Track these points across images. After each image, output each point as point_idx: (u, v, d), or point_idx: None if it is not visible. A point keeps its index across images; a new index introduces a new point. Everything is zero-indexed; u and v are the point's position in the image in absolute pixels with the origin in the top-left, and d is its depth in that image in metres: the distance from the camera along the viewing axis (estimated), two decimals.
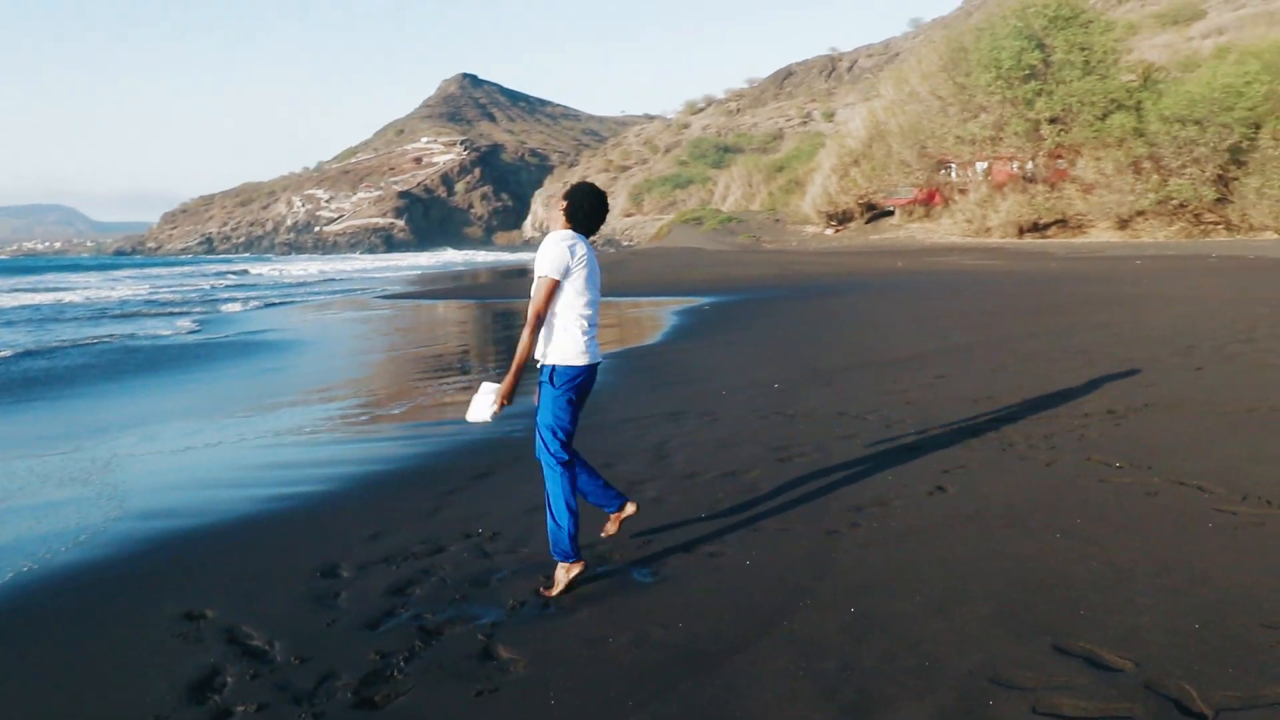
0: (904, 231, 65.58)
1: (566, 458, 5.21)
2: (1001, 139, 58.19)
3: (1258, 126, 47.78)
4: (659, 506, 6.57)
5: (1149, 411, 8.75)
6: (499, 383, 5.16)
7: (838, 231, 71.02)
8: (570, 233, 5.19)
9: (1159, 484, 6.35)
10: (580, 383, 5.19)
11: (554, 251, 5.05)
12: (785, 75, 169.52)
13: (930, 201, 66.20)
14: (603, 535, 5.76)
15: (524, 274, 55.52)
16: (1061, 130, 55.30)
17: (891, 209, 69.70)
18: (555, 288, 5.05)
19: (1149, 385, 10.04)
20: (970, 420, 8.83)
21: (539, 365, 5.21)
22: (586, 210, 5.23)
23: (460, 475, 7.87)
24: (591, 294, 5.19)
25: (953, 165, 64.45)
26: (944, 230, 62.78)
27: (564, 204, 5.23)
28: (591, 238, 5.39)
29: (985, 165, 61.38)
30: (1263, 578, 4.70)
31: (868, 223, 70.58)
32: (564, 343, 5.12)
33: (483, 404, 5.17)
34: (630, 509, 5.59)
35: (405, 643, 4.51)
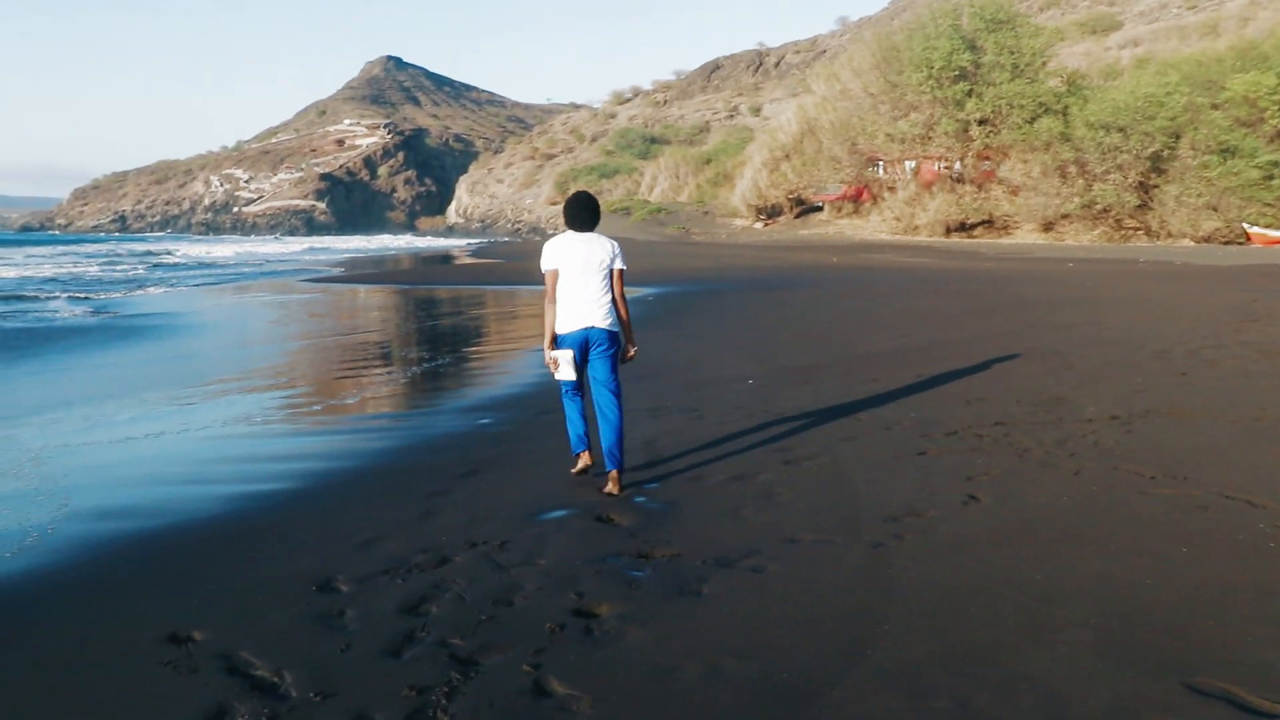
0: (833, 227, 65.83)
1: (566, 390, 6.92)
2: (931, 138, 58.59)
3: (1177, 136, 48.71)
4: (676, 513, 6.06)
5: (1154, 418, 8.47)
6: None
7: (767, 225, 71.04)
8: (560, 235, 6.77)
9: (1204, 497, 6.01)
10: (570, 344, 6.59)
11: (543, 253, 6.75)
12: (713, 69, 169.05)
13: (859, 198, 66.49)
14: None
15: (448, 260, 54.50)
16: (990, 132, 55.85)
17: (821, 204, 69.88)
18: (555, 277, 6.64)
19: (1140, 390, 9.79)
20: (971, 424, 8.45)
21: None
22: (569, 214, 6.74)
23: (443, 475, 7.28)
24: (574, 278, 6.57)
25: (881, 163, 64.81)
26: (872, 227, 63.14)
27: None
28: (592, 230, 6.79)
29: (914, 164, 61.80)
30: None
31: (797, 217, 70.70)
32: (557, 315, 6.66)
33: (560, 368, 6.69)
34: (584, 461, 7.09)
35: (440, 675, 3.91)
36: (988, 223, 57.63)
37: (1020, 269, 31.79)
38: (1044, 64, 56.47)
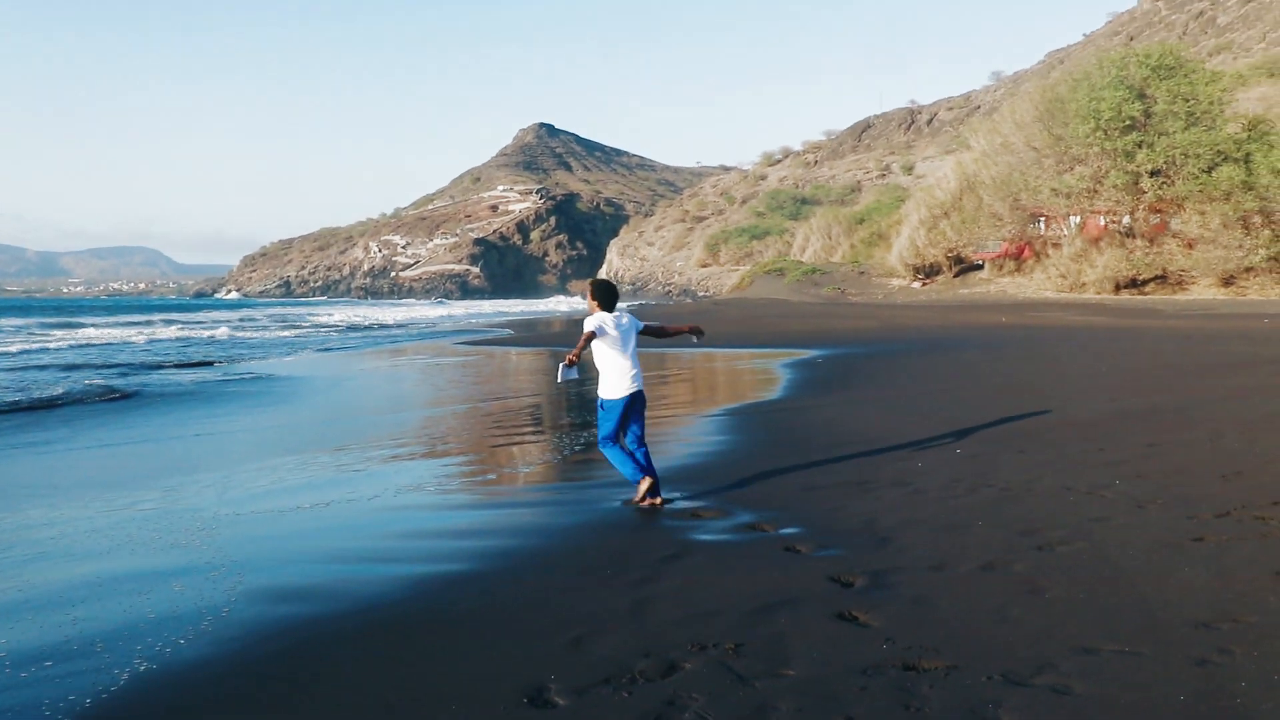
0: (994, 286, 63.67)
1: (606, 439, 8.32)
2: (1099, 192, 56.21)
3: None
4: (931, 610, 5.15)
5: None
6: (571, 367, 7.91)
7: (925, 285, 69.20)
8: (597, 313, 8.30)
9: None
10: (613, 407, 8.25)
11: (586, 321, 8.29)
12: (864, 128, 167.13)
13: (1021, 256, 64.24)
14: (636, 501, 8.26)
15: None
16: (1164, 183, 53.19)
17: (981, 263, 67.80)
18: (591, 335, 8.08)
19: None
20: (1242, 503, 7.30)
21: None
22: (602, 296, 8.40)
23: (645, 558, 6.50)
24: (616, 345, 8.22)
25: (1044, 218, 62.52)
26: (1035, 285, 60.79)
27: (590, 294, 8.49)
28: (615, 308, 8.50)
29: (1079, 219, 59.38)
30: None
31: (955, 276, 68.70)
32: (602, 382, 8.34)
33: (564, 371, 7.95)
34: (644, 487, 8.19)
35: None
36: (1161, 278, 54.75)
37: (1210, 326, 29.72)
38: (1221, 111, 53.60)
